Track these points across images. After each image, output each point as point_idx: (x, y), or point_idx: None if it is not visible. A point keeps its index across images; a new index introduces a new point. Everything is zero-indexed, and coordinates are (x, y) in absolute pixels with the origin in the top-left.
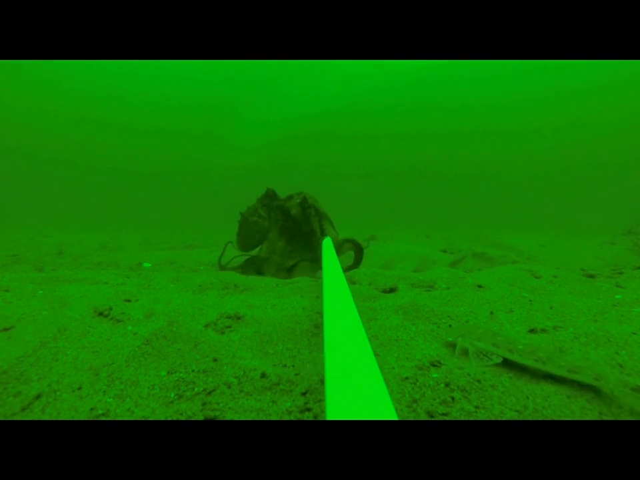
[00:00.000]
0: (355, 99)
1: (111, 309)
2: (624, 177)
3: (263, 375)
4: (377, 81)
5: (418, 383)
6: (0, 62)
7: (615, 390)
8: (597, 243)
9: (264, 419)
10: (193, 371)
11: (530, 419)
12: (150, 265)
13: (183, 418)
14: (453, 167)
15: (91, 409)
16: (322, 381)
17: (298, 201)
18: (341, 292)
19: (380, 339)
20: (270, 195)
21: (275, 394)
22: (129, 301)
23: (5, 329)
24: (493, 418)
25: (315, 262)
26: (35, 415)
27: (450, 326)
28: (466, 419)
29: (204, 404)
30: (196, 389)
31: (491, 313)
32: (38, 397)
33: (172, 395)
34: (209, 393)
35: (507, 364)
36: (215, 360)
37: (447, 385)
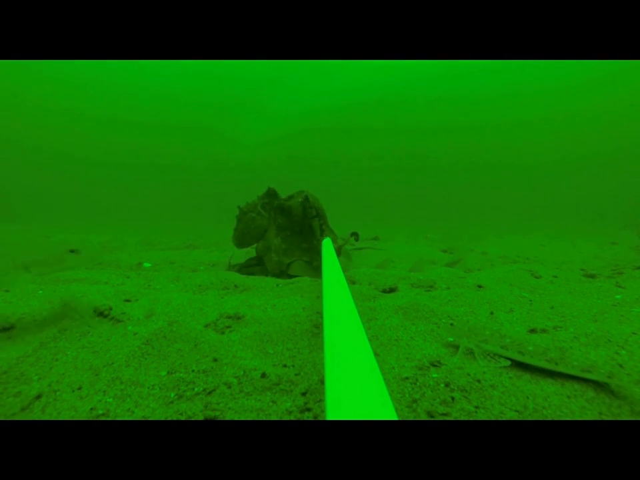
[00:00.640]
0: (358, 95)
1: (110, 309)
2: (623, 171)
3: (263, 375)
4: (379, 77)
5: (418, 383)
6: (0, 61)
7: (628, 387)
8: (597, 243)
9: (264, 418)
10: (193, 371)
11: (530, 419)
12: (150, 265)
13: (183, 418)
14: (453, 166)
15: (91, 409)
16: (322, 381)
17: (300, 200)
18: (340, 292)
19: (380, 339)
20: (271, 194)
21: (275, 394)
22: (129, 300)
23: (5, 329)
24: (493, 418)
25: (315, 263)
26: (35, 415)
27: (451, 325)
28: (466, 419)
29: (204, 404)
30: (196, 389)
31: (491, 312)
32: (38, 397)
33: (172, 394)
34: (209, 393)
35: (516, 364)
36: (215, 360)
37: (446, 385)
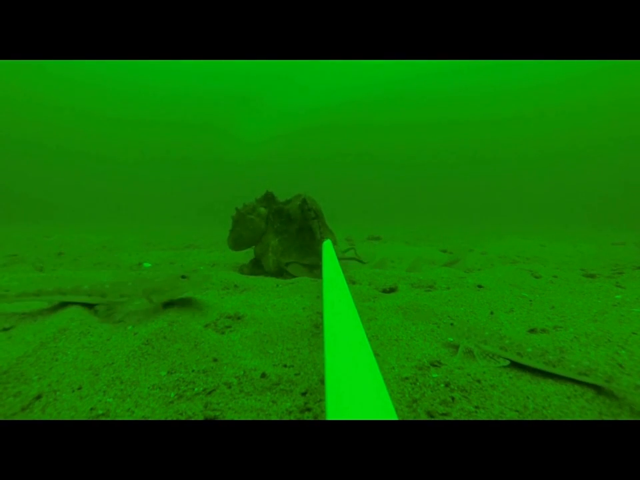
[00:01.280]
0: (358, 92)
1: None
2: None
3: (263, 375)
4: (383, 75)
5: (418, 383)
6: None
7: (627, 392)
8: (597, 243)
9: (264, 419)
10: (193, 370)
11: (530, 419)
12: (150, 265)
13: (183, 418)
14: (455, 164)
15: (91, 409)
16: (322, 381)
17: (298, 203)
18: (341, 292)
19: (380, 338)
20: (269, 198)
21: (275, 394)
22: None
23: (5, 329)
24: (493, 418)
25: (314, 264)
26: (35, 415)
27: (451, 324)
28: (466, 419)
29: (204, 404)
30: (196, 389)
31: (491, 312)
32: (38, 397)
33: (172, 394)
34: (209, 393)
35: (515, 365)
36: (215, 360)
37: (446, 385)
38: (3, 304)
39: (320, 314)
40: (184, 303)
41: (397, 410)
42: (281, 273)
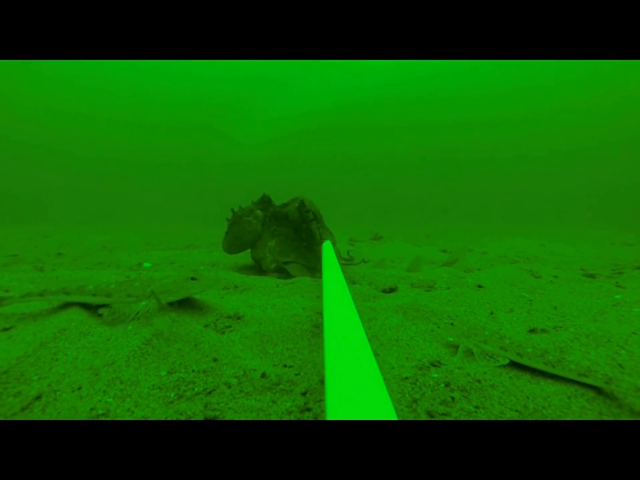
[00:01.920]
0: (356, 94)
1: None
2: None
3: (263, 375)
4: (381, 76)
5: (418, 383)
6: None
7: (627, 394)
8: (597, 243)
9: (264, 418)
10: (193, 370)
11: (530, 419)
12: (150, 265)
13: (183, 418)
14: (454, 165)
15: (91, 409)
16: (322, 381)
17: (296, 205)
18: (341, 292)
19: (380, 339)
20: (265, 201)
21: (275, 394)
22: None
23: (5, 329)
24: (493, 418)
25: (313, 265)
26: (35, 415)
27: (452, 324)
28: (466, 419)
29: (204, 404)
30: (196, 389)
31: (491, 312)
32: (38, 397)
33: (172, 394)
34: (209, 393)
35: (515, 365)
36: (215, 360)
37: (446, 385)
38: (6, 306)
39: (320, 314)
40: (184, 303)
41: (396, 410)
42: (280, 271)
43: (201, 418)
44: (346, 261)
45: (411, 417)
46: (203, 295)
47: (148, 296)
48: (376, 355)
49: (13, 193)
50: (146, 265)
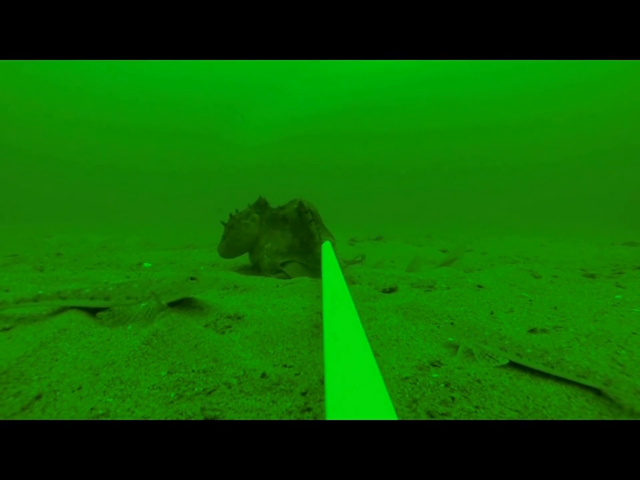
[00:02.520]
0: (358, 98)
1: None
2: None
3: (263, 375)
4: (380, 80)
5: (418, 383)
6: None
7: (626, 397)
8: (597, 243)
9: (264, 418)
10: (193, 370)
11: (530, 419)
12: (150, 265)
13: (182, 418)
14: (455, 165)
15: (91, 408)
16: (322, 381)
17: (295, 206)
18: (340, 293)
19: (380, 338)
20: (261, 204)
21: (275, 394)
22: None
23: (5, 329)
24: (493, 418)
25: (312, 266)
26: (35, 415)
27: (452, 324)
28: (466, 419)
29: (204, 404)
30: (196, 389)
31: (491, 312)
32: (38, 397)
33: (172, 394)
34: (209, 393)
35: (514, 365)
36: (215, 360)
37: (446, 385)
38: (2, 311)
39: (320, 314)
40: (184, 303)
41: (396, 410)
42: (278, 272)
43: (201, 418)
44: (347, 263)
45: (411, 417)
46: (203, 294)
47: (147, 297)
48: (376, 354)
49: (13, 194)
50: (146, 265)
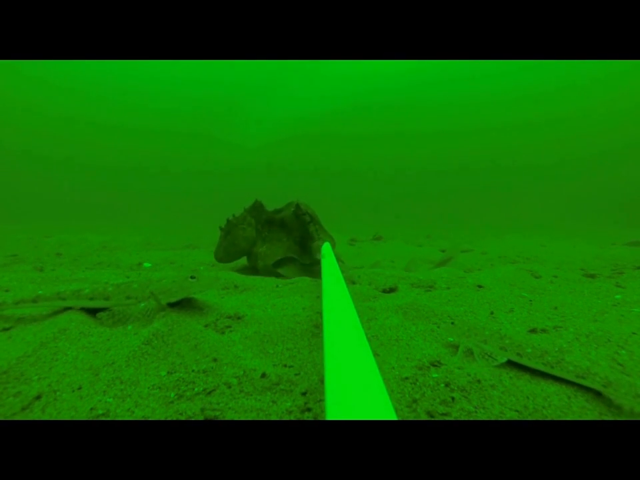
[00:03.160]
0: (357, 99)
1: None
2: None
3: (263, 375)
4: (379, 82)
5: (418, 383)
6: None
7: (625, 400)
8: (597, 243)
9: (264, 418)
10: (193, 370)
11: (530, 419)
12: (150, 265)
13: (182, 418)
14: (455, 165)
15: (91, 408)
16: (322, 381)
17: (292, 209)
18: (340, 293)
19: (380, 339)
20: (257, 207)
21: (275, 394)
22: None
23: (5, 329)
24: (493, 418)
25: (310, 265)
26: (35, 415)
27: (452, 323)
28: (466, 419)
29: (204, 404)
30: (196, 389)
31: (491, 312)
32: (38, 397)
33: (172, 394)
34: (209, 393)
35: (514, 365)
36: (215, 360)
37: (446, 385)
38: (2, 311)
39: (320, 314)
40: (184, 303)
41: (396, 410)
42: (277, 275)
43: (201, 418)
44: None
45: (411, 417)
46: (203, 294)
47: (147, 297)
48: (376, 354)
49: (13, 194)
50: (146, 265)
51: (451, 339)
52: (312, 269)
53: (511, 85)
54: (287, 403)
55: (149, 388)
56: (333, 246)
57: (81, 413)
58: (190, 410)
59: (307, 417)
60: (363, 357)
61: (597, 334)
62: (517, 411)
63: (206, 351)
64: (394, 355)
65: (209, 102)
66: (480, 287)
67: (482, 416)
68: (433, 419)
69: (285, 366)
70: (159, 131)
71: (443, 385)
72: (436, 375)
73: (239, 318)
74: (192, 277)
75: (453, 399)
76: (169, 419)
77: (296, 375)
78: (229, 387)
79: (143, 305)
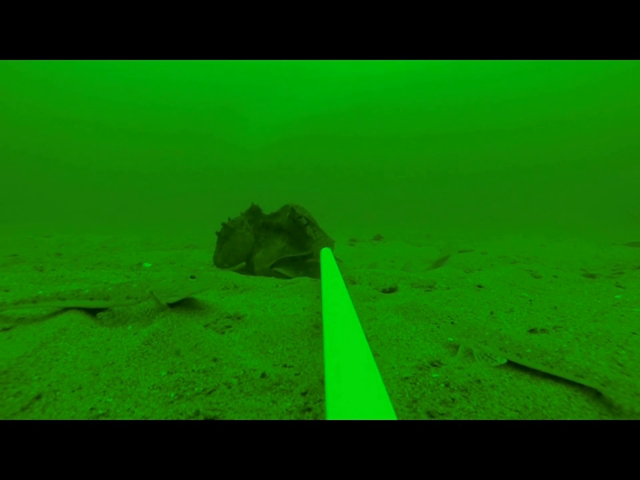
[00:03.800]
0: (355, 101)
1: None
2: (619, 173)
3: (263, 375)
4: (381, 83)
5: (418, 383)
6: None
7: (623, 399)
8: (597, 243)
9: (264, 418)
10: (193, 370)
11: (530, 419)
12: (150, 265)
13: (183, 418)
14: (454, 167)
15: (91, 409)
16: (322, 381)
17: (287, 214)
18: (339, 294)
19: (380, 339)
20: (254, 211)
21: (275, 394)
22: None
23: (5, 329)
24: (493, 418)
25: (303, 257)
26: (35, 414)
27: (452, 323)
28: (466, 419)
29: (204, 404)
30: (196, 389)
31: (491, 312)
32: (38, 397)
33: (172, 394)
34: (209, 393)
35: (515, 366)
36: (215, 360)
37: (446, 385)
38: (1, 312)
39: (320, 314)
40: (184, 303)
41: (397, 410)
42: (277, 275)
43: (201, 418)
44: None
45: (411, 417)
46: (203, 295)
47: (147, 297)
48: (376, 355)
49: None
50: (146, 264)
51: (451, 339)
52: (308, 263)
53: (511, 87)
54: (287, 403)
55: (148, 388)
56: (332, 246)
57: (81, 413)
58: (190, 410)
59: (307, 417)
60: (362, 357)
61: (597, 334)
62: (517, 411)
63: (206, 351)
64: (394, 355)
65: (209, 104)
66: (480, 286)
67: (482, 416)
68: (433, 419)
69: (285, 366)
70: (160, 132)
71: (443, 385)
72: (436, 375)
73: (239, 318)
74: (192, 277)
75: (453, 399)
76: (169, 419)
77: (296, 375)
78: (229, 387)
79: (143, 304)
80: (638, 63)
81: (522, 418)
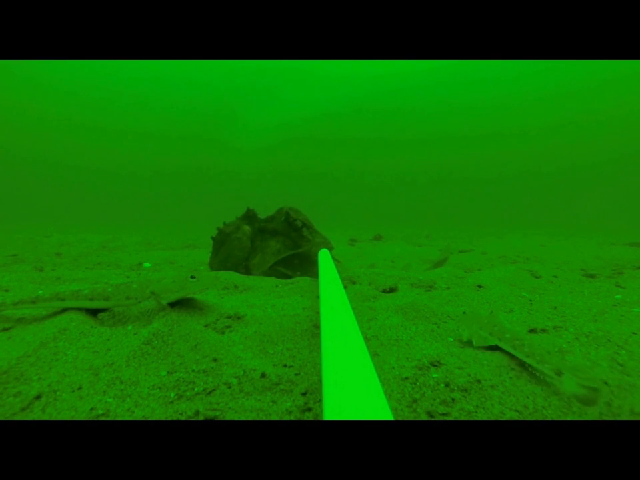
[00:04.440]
0: (356, 103)
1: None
2: (619, 176)
3: (263, 375)
4: (381, 84)
5: (418, 383)
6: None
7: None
8: (597, 243)
9: (264, 418)
10: (193, 370)
11: (530, 419)
12: (150, 265)
13: (182, 418)
14: (454, 169)
15: (91, 409)
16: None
17: (282, 218)
18: (337, 295)
19: (380, 339)
20: (250, 216)
21: (275, 394)
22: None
23: (5, 329)
24: (493, 418)
25: (307, 251)
26: (35, 414)
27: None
28: (466, 419)
29: (204, 404)
30: (196, 389)
31: (491, 312)
32: (38, 397)
33: (172, 394)
34: (209, 393)
35: (515, 366)
36: (215, 360)
37: (446, 385)
38: (1, 312)
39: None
40: (184, 303)
41: (397, 410)
42: (277, 276)
43: (201, 418)
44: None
45: (411, 417)
46: (203, 295)
47: (147, 297)
48: (376, 355)
49: (13, 195)
50: (146, 264)
51: (451, 339)
52: (308, 263)
53: (512, 89)
54: (287, 403)
55: (148, 388)
56: (330, 247)
57: (81, 413)
58: (190, 410)
59: (307, 417)
60: (360, 358)
61: (597, 334)
62: (517, 411)
63: (206, 350)
64: (394, 355)
65: (209, 105)
66: (480, 286)
67: (482, 416)
68: (432, 419)
69: (285, 366)
70: (159, 133)
71: (443, 385)
72: (436, 375)
73: (238, 318)
74: (192, 277)
75: (453, 399)
76: (169, 419)
77: (296, 374)
78: (229, 387)
79: (143, 304)
80: (638, 63)
81: (522, 418)
